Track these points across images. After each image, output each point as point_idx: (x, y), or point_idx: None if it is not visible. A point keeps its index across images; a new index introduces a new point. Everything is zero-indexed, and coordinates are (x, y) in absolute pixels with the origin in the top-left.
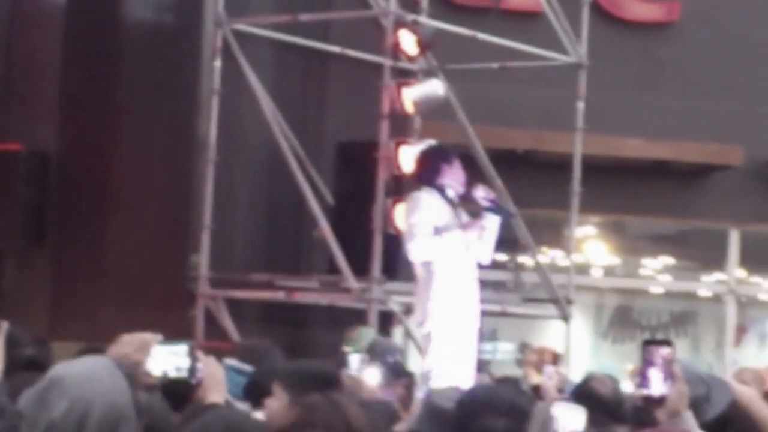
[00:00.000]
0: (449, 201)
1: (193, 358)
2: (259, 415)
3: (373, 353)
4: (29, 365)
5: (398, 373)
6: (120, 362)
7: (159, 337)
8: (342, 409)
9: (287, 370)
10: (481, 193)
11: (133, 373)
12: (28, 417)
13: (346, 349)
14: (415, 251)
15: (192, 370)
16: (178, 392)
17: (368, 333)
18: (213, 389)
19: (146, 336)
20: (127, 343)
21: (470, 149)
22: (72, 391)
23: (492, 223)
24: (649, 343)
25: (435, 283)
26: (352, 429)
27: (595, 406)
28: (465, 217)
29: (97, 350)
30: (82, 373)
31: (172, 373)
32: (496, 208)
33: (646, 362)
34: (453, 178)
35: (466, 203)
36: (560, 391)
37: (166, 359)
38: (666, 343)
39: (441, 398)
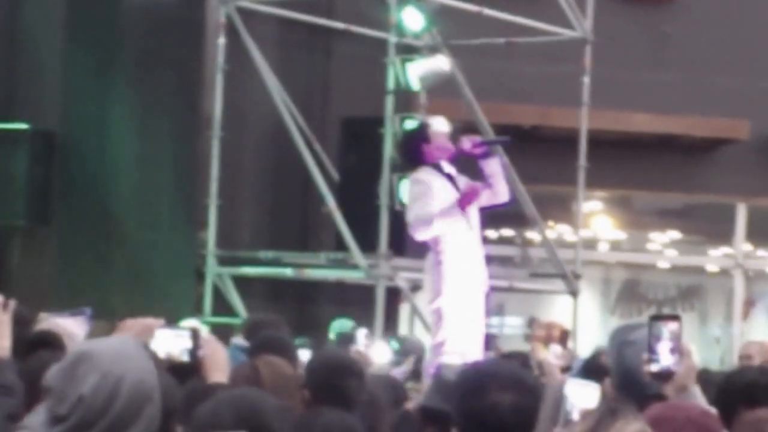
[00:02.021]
0: (447, 176)
1: (196, 340)
2: None
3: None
4: (37, 343)
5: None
6: None
7: (161, 321)
8: (258, 368)
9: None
10: (467, 145)
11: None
12: (55, 391)
13: (331, 337)
14: (418, 232)
15: (194, 352)
16: (182, 369)
17: (346, 324)
18: (215, 369)
19: (149, 321)
20: (129, 328)
21: (476, 125)
22: (102, 366)
23: (493, 165)
24: (656, 318)
25: (443, 263)
26: (261, 381)
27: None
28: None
29: None
30: (111, 350)
31: (176, 357)
32: (488, 149)
33: (654, 337)
34: (437, 150)
35: (465, 163)
36: (568, 369)
37: (170, 342)
38: (674, 318)
39: (452, 373)
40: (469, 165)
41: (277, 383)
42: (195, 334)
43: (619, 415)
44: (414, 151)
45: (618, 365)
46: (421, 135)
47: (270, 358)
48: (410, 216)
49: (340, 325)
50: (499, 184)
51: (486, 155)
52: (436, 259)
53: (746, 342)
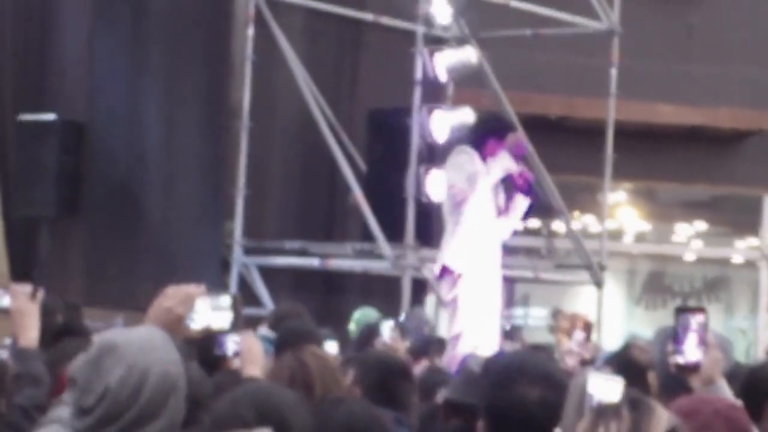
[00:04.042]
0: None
1: (236, 310)
2: None
3: (406, 326)
4: (63, 332)
5: (428, 346)
6: (163, 315)
7: (203, 288)
8: (305, 360)
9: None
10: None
11: (176, 330)
12: (81, 383)
13: (351, 327)
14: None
15: (235, 324)
16: (214, 360)
17: (369, 314)
18: (250, 362)
19: (190, 288)
20: (171, 296)
21: (503, 116)
22: (128, 358)
23: (521, 204)
24: (683, 311)
25: (459, 233)
26: (310, 373)
27: (635, 375)
28: (501, 192)
29: None
30: (137, 341)
31: (215, 326)
32: (529, 189)
33: (681, 329)
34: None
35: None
36: (591, 361)
37: (209, 312)
38: (700, 310)
39: (478, 365)
40: None
41: (325, 375)
42: (236, 302)
43: (654, 410)
44: (480, 136)
45: (664, 359)
46: (498, 129)
47: (314, 349)
48: (449, 179)
49: (362, 315)
50: (514, 222)
51: (524, 191)
52: (453, 229)
53: None
